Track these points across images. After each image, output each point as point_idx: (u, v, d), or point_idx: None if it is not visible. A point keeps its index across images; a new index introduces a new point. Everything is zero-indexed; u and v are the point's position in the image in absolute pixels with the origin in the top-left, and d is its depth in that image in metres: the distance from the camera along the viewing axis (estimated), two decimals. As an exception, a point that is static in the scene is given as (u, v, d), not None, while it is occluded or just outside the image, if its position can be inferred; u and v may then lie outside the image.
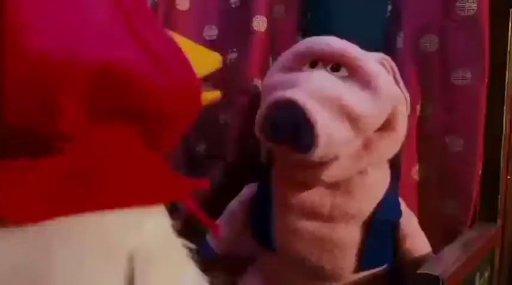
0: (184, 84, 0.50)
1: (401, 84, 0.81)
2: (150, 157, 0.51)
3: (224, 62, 1.03)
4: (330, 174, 0.77)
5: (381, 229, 0.81)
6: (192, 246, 0.52)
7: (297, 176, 0.80)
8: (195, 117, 0.52)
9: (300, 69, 0.80)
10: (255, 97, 0.99)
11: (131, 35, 0.46)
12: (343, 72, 0.76)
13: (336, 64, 0.77)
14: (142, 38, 0.47)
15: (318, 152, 0.71)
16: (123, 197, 0.46)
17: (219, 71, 1.03)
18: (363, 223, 0.80)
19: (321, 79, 0.75)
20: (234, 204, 0.95)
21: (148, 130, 0.49)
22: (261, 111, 0.75)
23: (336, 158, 0.75)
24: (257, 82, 1.00)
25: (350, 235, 0.80)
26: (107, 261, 0.44)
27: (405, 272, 0.85)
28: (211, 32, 1.05)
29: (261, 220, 0.86)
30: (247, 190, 0.93)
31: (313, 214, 0.80)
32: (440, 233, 0.90)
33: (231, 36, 1.03)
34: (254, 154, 1.03)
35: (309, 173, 0.78)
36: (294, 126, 0.70)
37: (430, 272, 0.66)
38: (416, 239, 0.85)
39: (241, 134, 1.02)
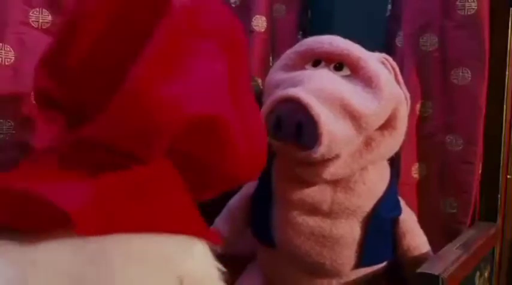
0: (258, 155, 0.55)
1: (402, 83, 0.81)
2: (192, 199, 0.54)
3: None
4: (331, 172, 0.77)
5: (380, 226, 0.81)
6: (225, 270, 0.54)
7: (298, 173, 0.80)
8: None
9: (302, 68, 0.80)
10: (255, 96, 0.99)
11: (234, 96, 0.49)
12: (346, 71, 0.76)
13: (338, 63, 0.77)
14: (241, 102, 0.50)
15: (321, 150, 0.71)
16: (176, 223, 0.48)
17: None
18: (363, 219, 0.80)
19: (323, 78, 0.75)
20: (234, 201, 0.94)
21: (205, 183, 0.53)
22: (264, 109, 0.75)
23: (337, 156, 0.75)
24: (257, 81, 1.00)
25: (350, 231, 0.80)
26: (163, 280, 0.46)
27: (404, 270, 0.85)
28: (211, 31, 1.05)
29: (261, 216, 0.86)
30: (247, 187, 0.93)
31: (314, 210, 0.80)
32: (439, 232, 0.91)
33: (231, 35, 1.03)
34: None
35: (310, 171, 0.78)
36: (297, 124, 0.70)
37: (430, 272, 0.67)
38: (415, 237, 0.85)
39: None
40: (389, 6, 0.98)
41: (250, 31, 1.00)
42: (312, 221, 0.80)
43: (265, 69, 1.00)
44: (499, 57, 0.88)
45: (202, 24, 0.47)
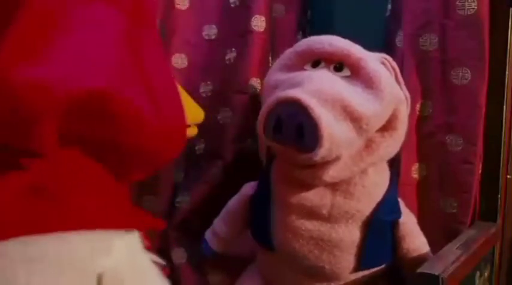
0: (173, 126, 0.49)
1: (403, 83, 0.80)
2: (116, 185, 0.50)
3: (223, 62, 1.03)
4: (331, 175, 0.76)
5: (380, 229, 0.81)
6: (161, 261, 0.51)
7: (298, 176, 0.80)
8: (173, 158, 0.52)
9: (301, 68, 0.80)
10: (254, 97, 0.99)
11: (134, 67, 0.45)
12: (346, 71, 0.76)
13: (338, 64, 0.76)
14: (145, 72, 0.46)
15: (322, 153, 0.70)
16: (87, 219, 0.45)
17: (219, 70, 1.04)
18: (363, 222, 0.80)
19: (323, 79, 0.74)
20: (233, 202, 0.94)
21: (121, 163, 0.49)
22: (264, 110, 0.75)
23: (337, 158, 0.75)
24: (256, 81, 1.00)
25: (350, 235, 0.80)
26: (75, 281, 0.44)
27: (404, 271, 0.85)
28: (211, 31, 1.05)
29: (260, 219, 0.86)
30: (246, 188, 0.93)
31: (313, 214, 0.80)
32: (439, 232, 0.91)
33: (231, 35, 1.03)
34: (253, 153, 1.03)
35: (310, 173, 0.77)
36: (297, 126, 0.69)
37: (430, 271, 0.66)
38: (414, 239, 0.85)
39: (240, 133, 1.02)
40: (389, 6, 0.98)
41: (250, 31, 0.99)
42: (311, 225, 0.80)
43: (264, 70, 0.99)
44: (499, 57, 0.88)
45: None
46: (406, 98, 0.81)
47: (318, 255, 0.80)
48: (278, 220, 0.83)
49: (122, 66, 0.43)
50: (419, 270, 0.68)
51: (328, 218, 0.79)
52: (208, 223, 0.98)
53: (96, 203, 0.46)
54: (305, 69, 0.79)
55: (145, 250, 0.51)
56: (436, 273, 0.66)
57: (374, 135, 0.77)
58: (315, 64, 0.79)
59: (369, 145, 0.77)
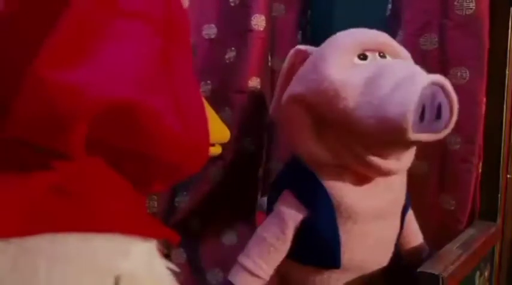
0: (196, 142, 0.51)
1: None
2: (135, 194, 0.51)
3: (223, 61, 1.03)
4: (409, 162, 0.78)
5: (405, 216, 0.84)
6: (177, 269, 0.52)
7: (383, 167, 0.74)
8: (194, 172, 0.53)
9: (351, 63, 0.74)
10: (254, 96, 0.99)
11: (164, 83, 0.46)
12: (389, 58, 0.76)
13: (381, 52, 0.76)
14: (175, 89, 0.47)
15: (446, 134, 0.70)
16: (108, 222, 0.46)
17: (219, 70, 1.04)
18: (401, 213, 0.82)
19: (412, 65, 0.76)
20: (271, 234, 0.80)
21: (142, 174, 0.50)
22: (411, 101, 0.65)
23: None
24: (256, 80, 1.00)
25: (395, 228, 0.81)
26: (93, 281, 0.44)
27: (404, 270, 0.85)
28: (210, 30, 1.05)
29: (322, 239, 0.78)
30: (290, 214, 0.79)
31: (376, 215, 0.78)
32: (438, 231, 0.91)
33: (230, 34, 1.03)
34: (253, 153, 1.03)
35: (397, 164, 0.76)
36: (438, 107, 0.67)
37: (430, 271, 0.66)
38: (411, 224, 0.88)
39: (240, 133, 1.01)
40: (390, 6, 0.98)
41: (249, 30, 0.99)
42: (375, 227, 0.78)
43: (263, 68, 0.99)
44: (499, 57, 0.88)
45: (128, 5, 0.44)
46: None
47: (377, 256, 0.80)
48: (347, 233, 0.77)
49: (153, 81, 0.45)
50: (419, 269, 0.68)
51: (387, 216, 0.79)
52: (207, 223, 0.97)
53: (118, 208, 0.48)
54: (354, 62, 0.74)
55: (162, 257, 0.52)
56: (436, 273, 0.66)
57: None
58: (363, 57, 0.75)
59: None
